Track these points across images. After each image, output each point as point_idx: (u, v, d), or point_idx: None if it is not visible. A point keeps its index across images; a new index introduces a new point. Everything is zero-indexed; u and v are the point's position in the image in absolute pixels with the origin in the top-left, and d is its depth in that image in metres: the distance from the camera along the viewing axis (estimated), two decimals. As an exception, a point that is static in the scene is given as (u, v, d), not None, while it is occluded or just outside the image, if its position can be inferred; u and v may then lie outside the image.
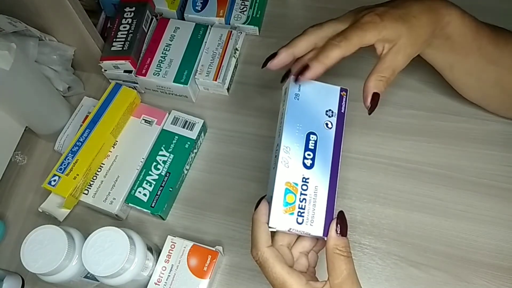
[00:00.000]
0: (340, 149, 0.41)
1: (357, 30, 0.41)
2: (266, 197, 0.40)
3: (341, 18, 0.44)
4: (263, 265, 0.38)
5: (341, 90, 0.43)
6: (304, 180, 0.39)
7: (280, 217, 0.38)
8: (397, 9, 0.43)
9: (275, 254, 0.38)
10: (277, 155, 0.40)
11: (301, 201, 0.39)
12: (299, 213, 0.38)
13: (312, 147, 0.40)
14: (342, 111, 0.42)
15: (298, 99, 0.41)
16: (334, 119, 0.42)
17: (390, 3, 0.44)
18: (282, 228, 0.38)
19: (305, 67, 0.41)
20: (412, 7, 0.43)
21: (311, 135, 0.41)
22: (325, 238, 0.39)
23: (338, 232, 0.38)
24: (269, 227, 0.38)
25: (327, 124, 0.41)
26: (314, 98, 0.42)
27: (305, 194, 0.39)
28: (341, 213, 0.39)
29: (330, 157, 0.40)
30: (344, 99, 0.43)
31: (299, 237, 0.42)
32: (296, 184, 0.39)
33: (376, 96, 0.42)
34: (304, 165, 0.40)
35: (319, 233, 0.38)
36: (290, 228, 0.38)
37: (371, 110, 0.43)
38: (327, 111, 0.42)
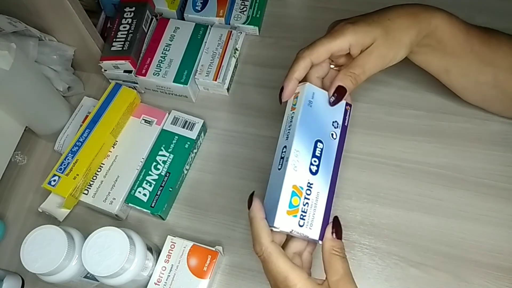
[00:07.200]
0: (340, 160, 0.43)
1: (324, 38, 0.43)
2: (255, 194, 0.41)
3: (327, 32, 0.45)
4: (266, 260, 0.39)
5: (346, 104, 0.44)
6: (308, 185, 0.40)
7: (284, 218, 0.39)
8: (372, 15, 0.44)
9: (278, 249, 0.39)
10: (284, 156, 0.41)
11: (304, 205, 0.40)
12: (301, 216, 0.39)
13: (319, 155, 0.41)
14: (346, 124, 0.44)
15: (311, 106, 0.42)
16: (338, 131, 0.43)
17: (368, 13, 0.45)
18: (285, 229, 0.39)
19: (281, 89, 0.43)
20: (388, 12, 0.44)
21: (319, 143, 0.42)
22: (320, 242, 0.40)
23: (334, 235, 0.40)
24: (273, 227, 0.39)
25: (332, 135, 0.43)
26: (324, 108, 0.43)
27: (308, 199, 0.40)
28: (336, 218, 0.41)
29: (332, 166, 0.42)
30: (348, 113, 0.44)
31: (290, 238, 0.42)
32: (302, 188, 0.40)
33: (340, 89, 0.42)
34: (310, 170, 0.41)
35: (316, 236, 0.40)
36: (292, 230, 0.39)
37: (333, 102, 0.43)
38: (333, 122, 0.43)
